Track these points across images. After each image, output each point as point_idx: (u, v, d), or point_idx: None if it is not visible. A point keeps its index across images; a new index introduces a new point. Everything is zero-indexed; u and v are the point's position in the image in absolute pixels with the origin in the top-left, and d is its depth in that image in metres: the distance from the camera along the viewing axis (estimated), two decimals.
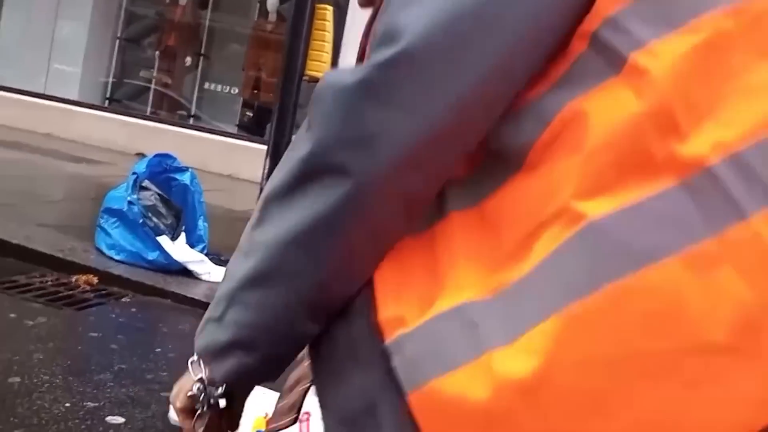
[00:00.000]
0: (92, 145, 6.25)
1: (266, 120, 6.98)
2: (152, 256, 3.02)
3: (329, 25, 4.42)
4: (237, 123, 7.42)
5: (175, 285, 2.86)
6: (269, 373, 0.52)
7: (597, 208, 0.41)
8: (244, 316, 0.49)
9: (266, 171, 3.55)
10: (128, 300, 2.73)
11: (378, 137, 0.44)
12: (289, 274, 0.48)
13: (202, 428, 0.55)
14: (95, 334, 2.38)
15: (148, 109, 7.43)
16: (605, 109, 0.43)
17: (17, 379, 1.85)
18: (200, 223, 3.47)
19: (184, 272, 3.01)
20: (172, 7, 7.66)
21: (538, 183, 0.44)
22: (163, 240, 3.18)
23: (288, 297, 0.48)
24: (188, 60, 7.62)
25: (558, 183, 0.43)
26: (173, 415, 1.63)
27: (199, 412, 0.54)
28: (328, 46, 4.54)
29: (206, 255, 3.21)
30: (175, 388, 0.56)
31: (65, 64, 7.49)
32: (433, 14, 0.44)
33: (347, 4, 6.27)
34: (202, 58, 7.69)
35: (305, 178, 0.46)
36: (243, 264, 0.49)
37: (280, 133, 3.64)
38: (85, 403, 1.79)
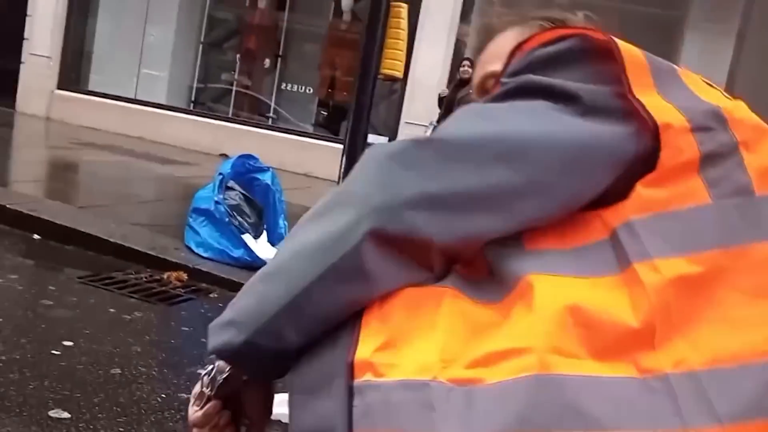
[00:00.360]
0: (179, 147, 6.58)
1: (341, 118, 7.10)
2: (237, 253, 3.15)
3: (404, 23, 4.42)
4: (312, 122, 7.59)
5: None
6: (250, 360, 0.59)
7: (563, 366, 0.48)
8: (247, 301, 0.58)
9: (342, 169, 3.61)
10: (216, 295, 2.86)
11: (390, 187, 0.55)
12: (288, 275, 0.56)
13: (200, 408, 0.62)
14: (187, 329, 2.51)
15: (230, 111, 7.73)
16: (600, 297, 0.50)
17: (118, 371, 1.99)
18: (281, 221, 3.59)
19: None
20: (251, 10, 7.91)
21: (523, 315, 0.51)
22: (247, 238, 3.31)
23: (280, 294, 0.56)
24: (267, 62, 7.85)
25: (536, 328, 0.50)
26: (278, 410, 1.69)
27: (201, 391, 0.62)
28: (403, 44, 4.54)
29: None
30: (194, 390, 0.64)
31: (154, 69, 7.91)
32: (468, 129, 0.58)
33: (420, 2, 6.27)
34: (279, 59, 7.90)
35: (330, 206, 0.58)
36: (266, 264, 0.60)
37: (355, 131, 3.68)
38: (179, 395, 1.89)
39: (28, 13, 7.61)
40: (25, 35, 7.64)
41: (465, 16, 6.42)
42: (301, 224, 0.59)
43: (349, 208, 0.55)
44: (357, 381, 0.52)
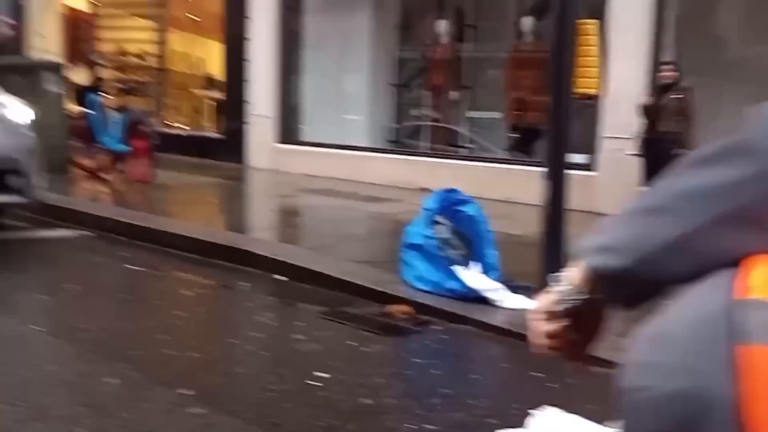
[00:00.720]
0: (383, 185, 7.05)
1: (532, 140, 7.03)
2: (452, 285, 3.29)
3: (594, 39, 4.29)
4: (504, 147, 7.62)
5: (476, 313, 3.06)
6: (622, 284, 0.63)
7: None
8: (625, 232, 0.63)
9: (549, 194, 3.57)
10: (438, 328, 3.02)
11: None
12: (675, 214, 0.60)
13: (551, 322, 0.68)
14: (418, 360, 2.68)
15: (425, 146, 8.10)
16: None
17: (367, 401, 2.20)
18: (489, 251, 3.67)
19: (483, 300, 3.21)
20: (434, 47, 8.26)
21: None
22: (459, 270, 3.45)
23: (666, 231, 0.60)
24: (453, 93, 8.10)
25: None
26: None
27: (561, 306, 0.68)
28: (596, 61, 4.40)
29: (499, 282, 3.37)
30: (538, 302, 0.72)
31: (353, 114, 8.63)
32: None
33: (608, 14, 6.01)
34: (466, 89, 8.11)
35: (721, 154, 0.59)
36: (643, 200, 0.64)
37: (555, 153, 3.62)
38: (424, 425, 2.03)
39: (246, 79, 8.82)
40: (246, 99, 8.85)
41: (660, 21, 6.01)
42: (684, 169, 0.62)
43: (747, 160, 0.56)
44: (752, 297, 0.54)
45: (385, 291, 3.40)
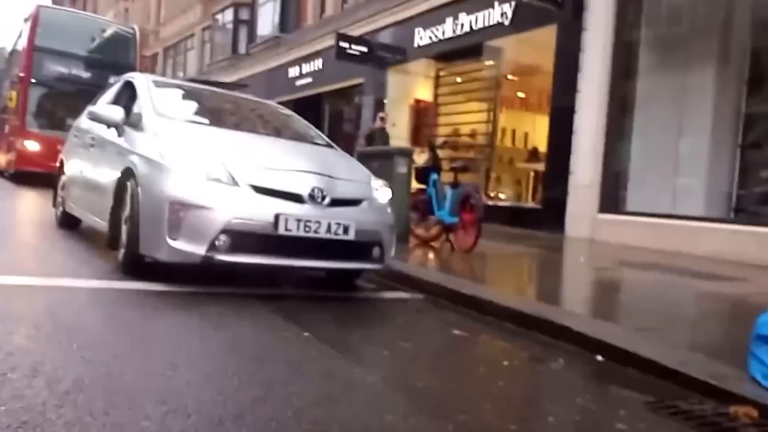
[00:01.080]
0: (722, 260, 6.19)
1: None
2: None
3: None
4: None
5: None
6: None
7: None
8: None
9: None
10: None
11: None
12: None
13: None
14: None
15: None
16: None
17: None
18: None
19: None
20: None
21: None
22: None
23: None
24: None
25: None
26: None
27: None
28: None
29: None
30: None
31: (689, 180, 7.86)
32: None
33: None
34: None
35: None
36: None
37: None
38: None
39: (571, 149, 8.87)
40: (569, 169, 8.89)
41: None
42: None
43: None
44: None
45: (725, 388, 2.94)
